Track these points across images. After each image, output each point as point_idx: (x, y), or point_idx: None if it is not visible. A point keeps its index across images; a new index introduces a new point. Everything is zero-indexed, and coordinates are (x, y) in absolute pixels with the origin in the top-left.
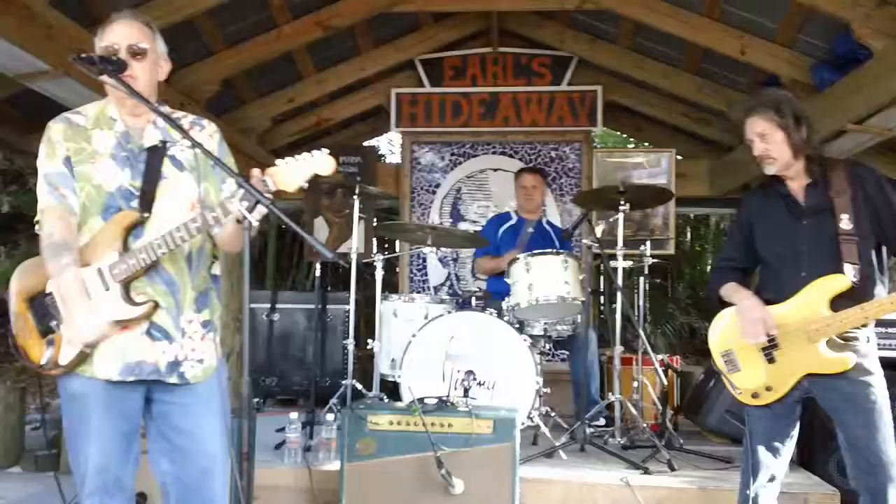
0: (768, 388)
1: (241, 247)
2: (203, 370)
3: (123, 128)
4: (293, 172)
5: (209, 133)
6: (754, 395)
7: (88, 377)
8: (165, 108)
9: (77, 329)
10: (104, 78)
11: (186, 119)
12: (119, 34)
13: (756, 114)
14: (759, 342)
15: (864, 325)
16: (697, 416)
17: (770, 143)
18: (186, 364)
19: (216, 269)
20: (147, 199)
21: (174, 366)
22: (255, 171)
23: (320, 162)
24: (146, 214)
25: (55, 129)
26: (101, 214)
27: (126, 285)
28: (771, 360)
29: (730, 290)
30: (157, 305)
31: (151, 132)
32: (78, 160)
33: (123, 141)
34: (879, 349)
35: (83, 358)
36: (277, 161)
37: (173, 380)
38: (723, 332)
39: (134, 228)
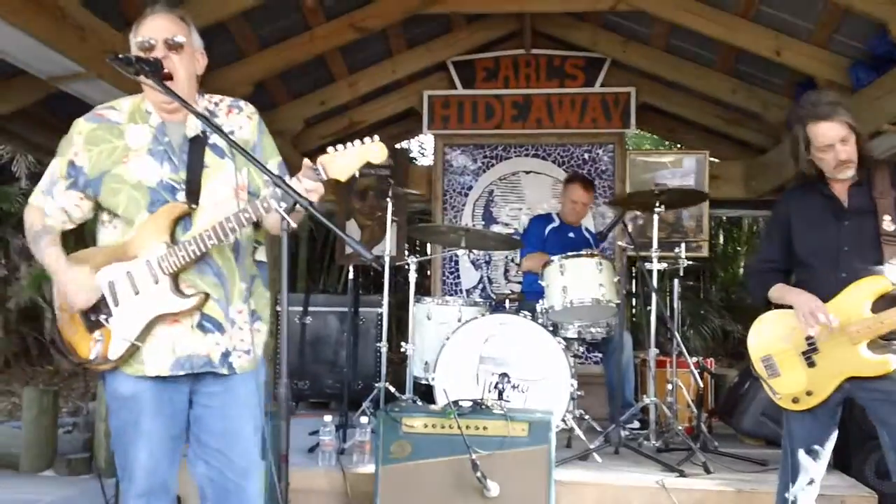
0: (808, 393)
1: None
2: (249, 361)
3: (159, 120)
4: (345, 161)
5: (247, 115)
6: (794, 400)
7: (139, 376)
8: (206, 96)
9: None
10: (141, 78)
11: (224, 103)
12: (155, 28)
13: (836, 118)
14: (817, 330)
15: None
16: (732, 419)
17: (850, 147)
18: (234, 354)
19: (261, 255)
20: (193, 191)
21: (225, 356)
22: (307, 162)
23: (372, 149)
24: (194, 206)
25: (80, 128)
26: (148, 209)
27: (175, 277)
28: (811, 364)
29: (781, 291)
30: (207, 297)
31: (192, 122)
32: (110, 160)
33: (160, 135)
34: None
35: (133, 352)
36: (328, 149)
37: (224, 370)
38: (763, 337)
39: (181, 220)
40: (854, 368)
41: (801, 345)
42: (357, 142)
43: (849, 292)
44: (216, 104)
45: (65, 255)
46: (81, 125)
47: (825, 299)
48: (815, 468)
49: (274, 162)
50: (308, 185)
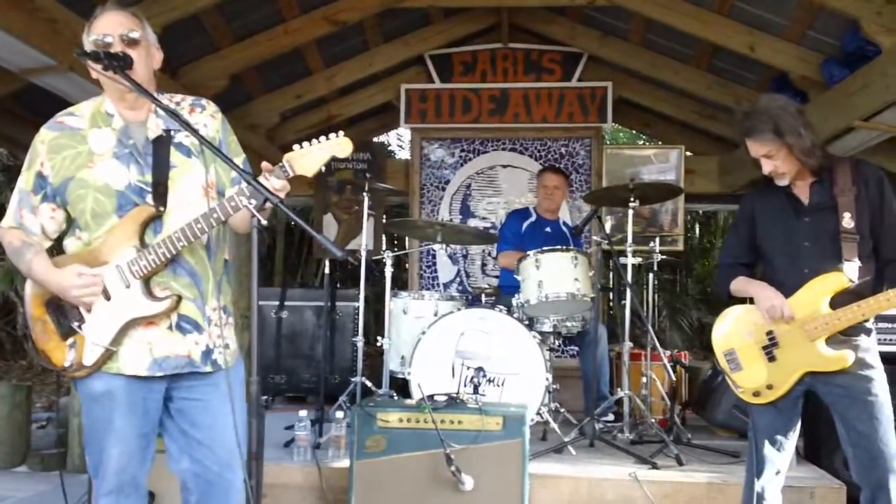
0: (769, 387)
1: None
2: (230, 354)
3: (122, 123)
4: (312, 157)
5: (211, 113)
6: (756, 394)
7: (114, 374)
8: (165, 96)
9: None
10: (109, 74)
11: (186, 102)
12: (109, 24)
13: (754, 137)
14: (777, 324)
15: (865, 321)
16: (705, 412)
17: (777, 160)
18: (216, 351)
19: (226, 254)
20: (161, 193)
21: (207, 355)
22: (266, 164)
23: (338, 145)
24: (162, 209)
25: (42, 137)
26: (116, 213)
27: (147, 281)
28: (772, 359)
29: (741, 284)
30: (180, 299)
31: (154, 122)
32: (74, 166)
33: (124, 137)
34: (880, 344)
35: (108, 356)
36: (294, 147)
37: (208, 368)
38: (726, 332)
39: (150, 223)
40: (812, 363)
41: (762, 339)
42: (322, 137)
43: (808, 288)
44: (178, 103)
45: (50, 261)
46: (43, 134)
47: (787, 294)
48: (780, 459)
49: (239, 160)
50: (275, 184)
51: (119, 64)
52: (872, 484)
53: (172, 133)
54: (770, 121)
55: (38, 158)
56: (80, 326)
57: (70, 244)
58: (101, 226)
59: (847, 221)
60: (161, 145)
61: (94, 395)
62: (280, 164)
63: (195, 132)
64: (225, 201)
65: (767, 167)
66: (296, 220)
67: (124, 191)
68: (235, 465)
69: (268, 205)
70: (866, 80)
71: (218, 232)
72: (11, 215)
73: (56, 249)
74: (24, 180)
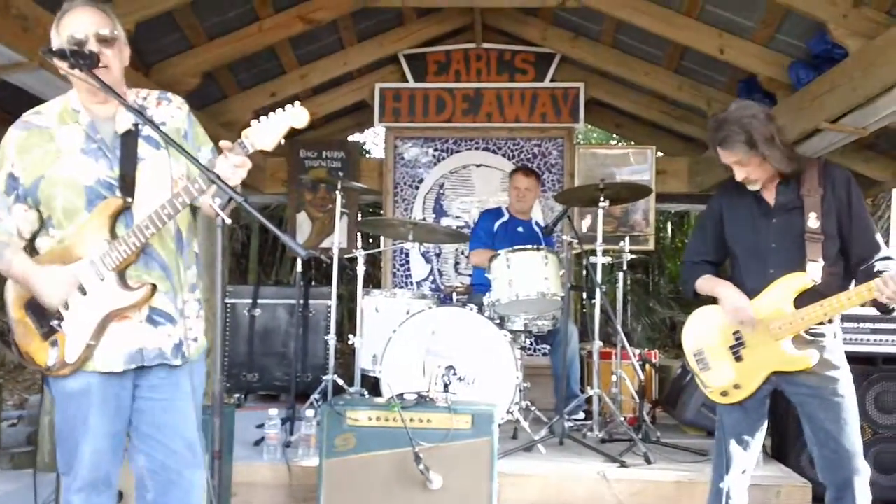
0: (736, 386)
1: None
2: (196, 348)
3: (89, 118)
4: (269, 129)
5: (177, 105)
6: (724, 394)
7: (90, 371)
8: (132, 91)
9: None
10: (75, 73)
11: (152, 96)
12: (84, 22)
13: (727, 147)
14: (743, 325)
15: (830, 321)
16: (674, 410)
17: (749, 166)
18: (185, 343)
19: (196, 247)
20: (128, 185)
21: (178, 347)
22: (224, 143)
23: (294, 115)
24: (129, 200)
25: (11, 137)
26: (87, 208)
27: (121, 273)
28: (738, 359)
29: (706, 282)
30: (154, 288)
31: (123, 116)
32: (43, 165)
33: (91, 132)
34: (846, 344)
35: (90, 353)
36: (252, 122)
37: (177, 361)
38: (695, 333)
39: (120, 215)
40: (777, 363)
41: (729, 339)
42: (279, 109)
43: (772, 289)
44: (144, 98)
45: (30, 260)
46: (13, 134)
47: (752, 295)
48: (746, 458)
49: (206, 149)
50: (235, 161)
51: (85, 62)
52: (838, 483)
53: (140, 126)
54: (742, 132)
55: (8, 160)
56: (59, 325)
57: (43, 243)
58: (74, 222)
59: (812, 221)
60: (129, 138)
61: (69, 393)
62: (239, 140)
63: (159, 130)
64: (189, 184)
65: (740, 174)
66: (261, 220)
67: (94, 185)
68: (196, 464)
69: (232, 203)
70: (833, 83)
71: (189, 224)
72: None
73: (29, 249)
74: None
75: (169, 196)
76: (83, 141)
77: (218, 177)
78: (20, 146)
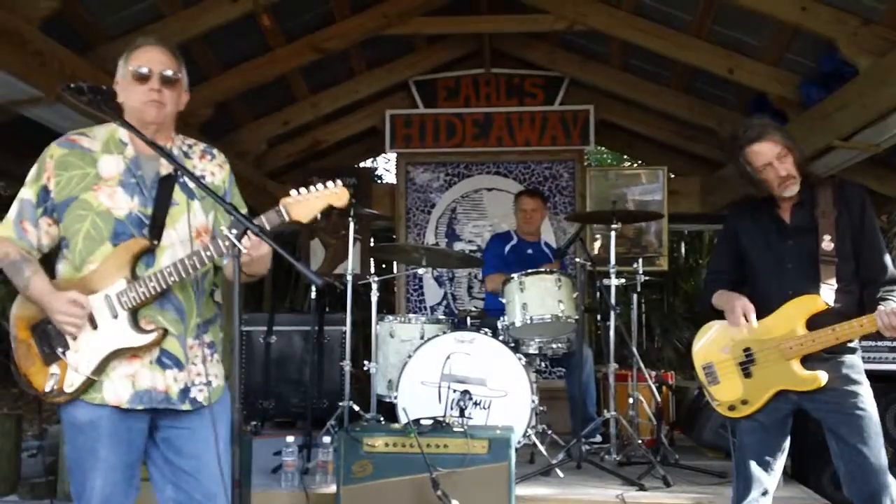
0: (744, 402)
1: (264, 270)
2: (212, 391)
3: (134, 153)
4: (308, 204)
5: (219, 163)
6: (731, 408)
7: (98, 404)
8: (179, 138)
9: (83, 356)
10: (91, 109)
11: (198, 146)
12: (153, 59)
13: (768, 138)
14: (743, 335)
15: (848, 342)
16: (692, 431)
17: (788, 164)
18: (195, 389)
19: (218, 297)
20: (157, 227)
21: (185, 393)
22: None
23: (335, 195)
24: (155, 242)
25: (52, 152)
26: (111, 240)
27: (134, 313)
28: (748, 375)
29: (723, 296)
30: (166, 333)
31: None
32: (79, 187)
33: (133, 167)
34: (865, 363)
35: (90, 385)
36: (292, 192)
37: (185, 406)
38: (705, 346)
39: (143, 256)
40: (786, 382)
41: (739, 356)
42: (320, 185)
43: (785, 309)
44: (190, 146)
45: (49, 282)
46: (53, 149)
47: (769, 314)
48: (767, 479)
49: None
50: (256, 247)
51: (101, 98)
52: (864, 498)
53: (180, 173)
54: (775, 129)
55: (45, 173)
56: (64, 353)
57: (62, 269)
58: (91, 251)
59: (826, 244)
60: (167, 182)
61: (78, 425)
62: (276, 207)
63: (193, 176)
64: (218, 240)
65: (782, 170)
66: (276, 249)
67: (123, 219)
68: (219, 495)
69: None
70: (844, 101)
71: (210, 276)
72: (11, 226)
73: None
74: (30, 192)
75: (190, 247)
76: (123, 172)
77: (235, 208)
78: (60, 162)
